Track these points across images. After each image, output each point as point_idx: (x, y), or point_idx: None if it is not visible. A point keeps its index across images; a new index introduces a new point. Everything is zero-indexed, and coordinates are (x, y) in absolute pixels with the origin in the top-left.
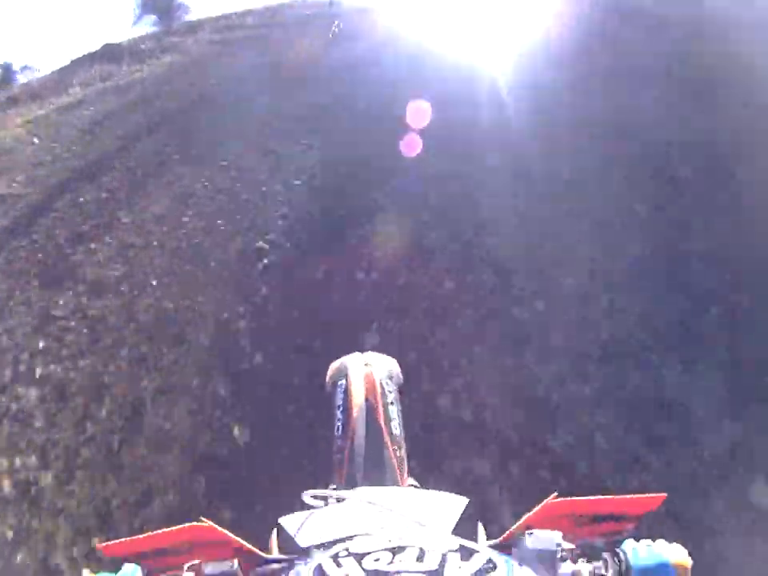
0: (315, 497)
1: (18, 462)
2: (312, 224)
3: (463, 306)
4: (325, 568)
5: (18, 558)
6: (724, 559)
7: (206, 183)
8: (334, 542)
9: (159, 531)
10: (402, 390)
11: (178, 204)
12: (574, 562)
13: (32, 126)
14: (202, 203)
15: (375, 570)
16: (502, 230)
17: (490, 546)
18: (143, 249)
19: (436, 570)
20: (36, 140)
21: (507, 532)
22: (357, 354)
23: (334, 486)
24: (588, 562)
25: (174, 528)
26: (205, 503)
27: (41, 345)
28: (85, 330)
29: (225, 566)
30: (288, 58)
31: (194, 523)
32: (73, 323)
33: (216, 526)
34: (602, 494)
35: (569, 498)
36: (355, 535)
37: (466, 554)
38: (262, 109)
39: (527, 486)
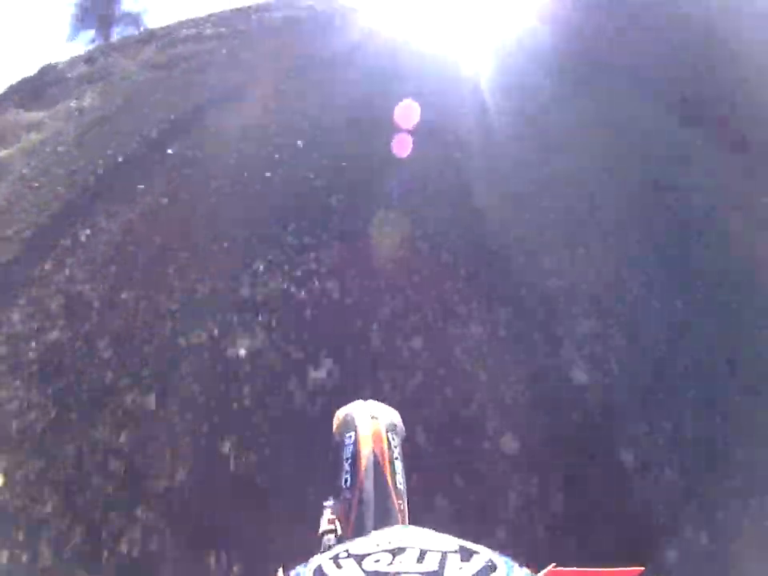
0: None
1: None
2: None
3: None
4: (325, 569)
5: None
6: None
7: None
8: None
9: None
10: (403, 443)
11: None
12: None
13: None
14: None
15: (375, 571)
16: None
17: None
18: None
19: (436, 570)
20: None
21: None
22: (360, 402)
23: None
24: None
25: None
26: None
27: None
28: None
29: None
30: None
31: None
32: None
33: None
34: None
35: (568, 569)
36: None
37: (466, 554)
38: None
39: None
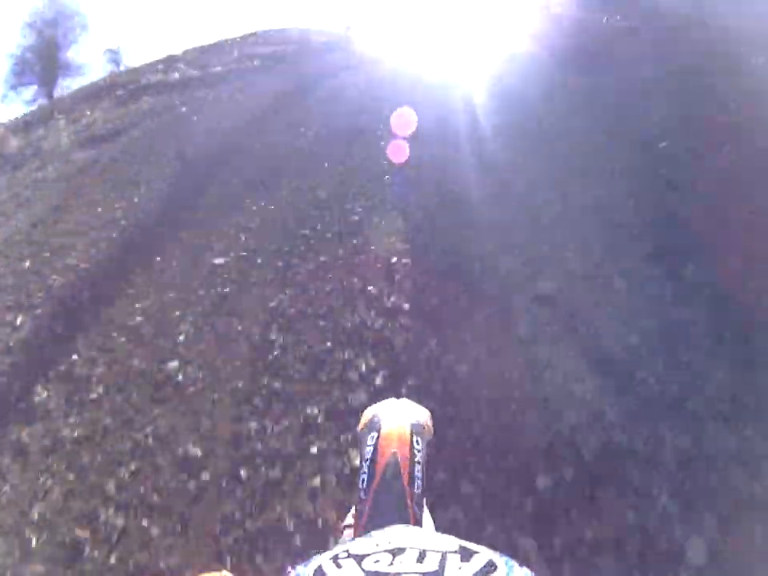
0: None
1: None
2: None
3: None
4: (325, 569)
5: None
6: None
7: None
8: None
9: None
10: (430, 444)
11: None
12: None
13: None
14: None
15: (375, 571)
16: None
17: None
18: None
19: (436, 570)
20: None
21: None
22: (391, 401)
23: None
24: None
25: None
26: None
27: None
28: None
29: None
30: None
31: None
32: None
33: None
34: None
35: None
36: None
37: (466, 554)
38: None
39: None
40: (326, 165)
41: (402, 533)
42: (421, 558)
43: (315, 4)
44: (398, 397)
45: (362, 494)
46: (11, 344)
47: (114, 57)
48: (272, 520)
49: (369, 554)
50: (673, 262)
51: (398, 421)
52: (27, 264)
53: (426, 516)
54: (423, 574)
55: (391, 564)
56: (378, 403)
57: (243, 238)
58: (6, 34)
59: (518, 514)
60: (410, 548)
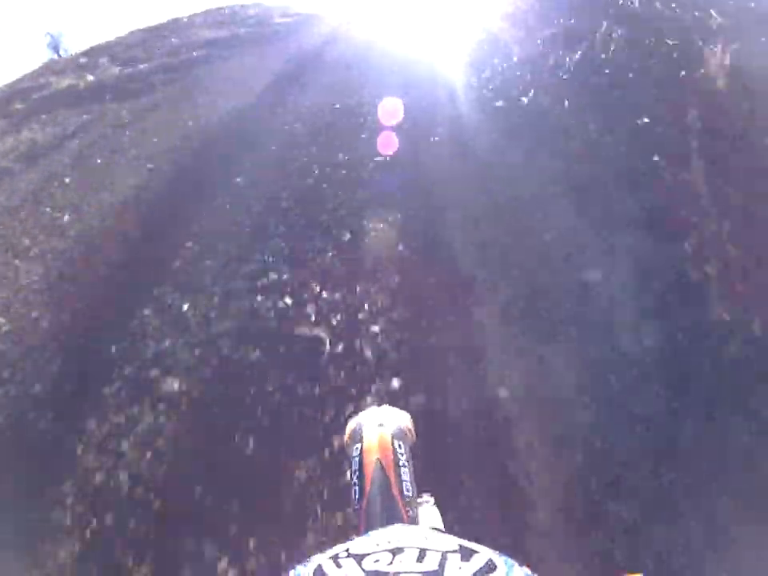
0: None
1: None
2: None
3: None
4: (325, 569)
5: None
6: None
7: None
8: None
9: None
10: (413, 448)
11: None
12: None
13: None
14: None
15: (375, 570)
16: None
17: None
18: None
19: (436, 570)
20: None
21: None
22: (371, 410)
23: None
24: None
25: None
26: None
27: None
28: None
29: None
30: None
31: None
32: None
33: None
34: None
35: None
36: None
37: (466, 554)
38: None
39: None
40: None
41: (401, 532)
42: (421, 557)
43: None
44: (380, 404)
45: (356, 505)
46: None
47: (55, 42)
48: None
49: (369, 554)
50: None
51: (378, 429)
52: None
53: (434, 512)
54: (423, 573)
55: (391, 563)
56: (360, 413)
57: None
58: None
59: None
60: (409, 547)
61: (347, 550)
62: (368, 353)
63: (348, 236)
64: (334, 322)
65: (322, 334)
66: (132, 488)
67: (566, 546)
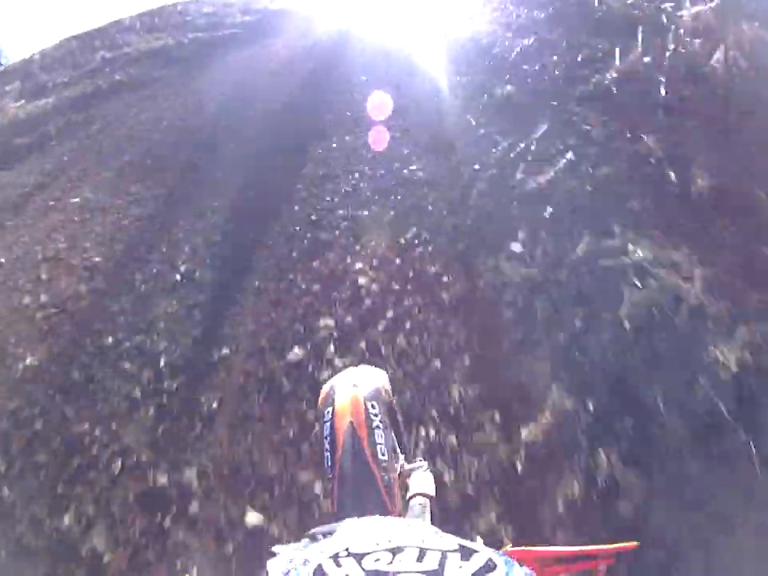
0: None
1: None
2: None
3: None
4: (325, 568)
5: None
6: None
7: None
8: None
9: None
10: (392, 406)
11: None
12: None
13: None
14: None
15: (375, 570)
16: None
17: None
18: None
19: (436, 569)
20: None
21: None
22: (347, 371)
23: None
24: None
25: None
26: None
27: None
28: None
29: None
30: None
31: None
32: None
33: None
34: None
35: (525, 548)
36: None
37: (466, 553)
38: None
39: None
40: None
41: (401, 531)
42: (421, 556)
43: None
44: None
45: (328, 471)
46: None
47: None
48: None
49: (369, 553)
50: None
51: (351, 390)
52: None
53: (427, 478)
54: (423, 572)
55: (391, 563)
56: (335, 376)
57: None
58: None
59: None
60: (409, 547)
61: (347, 549)
62: None
63: None
64: None
65: None
66: None
67: None
